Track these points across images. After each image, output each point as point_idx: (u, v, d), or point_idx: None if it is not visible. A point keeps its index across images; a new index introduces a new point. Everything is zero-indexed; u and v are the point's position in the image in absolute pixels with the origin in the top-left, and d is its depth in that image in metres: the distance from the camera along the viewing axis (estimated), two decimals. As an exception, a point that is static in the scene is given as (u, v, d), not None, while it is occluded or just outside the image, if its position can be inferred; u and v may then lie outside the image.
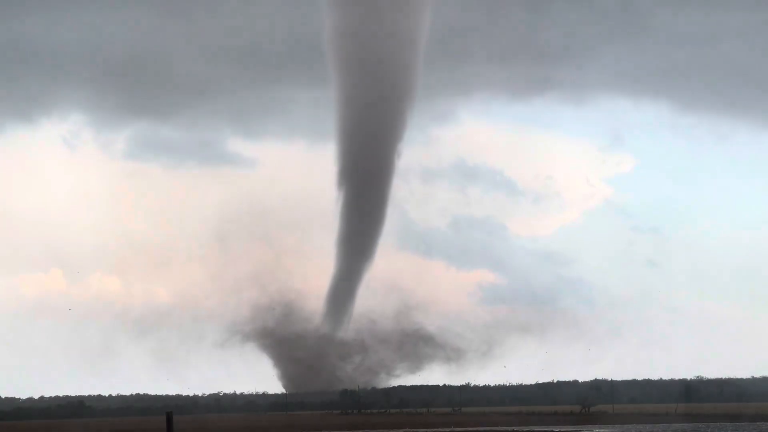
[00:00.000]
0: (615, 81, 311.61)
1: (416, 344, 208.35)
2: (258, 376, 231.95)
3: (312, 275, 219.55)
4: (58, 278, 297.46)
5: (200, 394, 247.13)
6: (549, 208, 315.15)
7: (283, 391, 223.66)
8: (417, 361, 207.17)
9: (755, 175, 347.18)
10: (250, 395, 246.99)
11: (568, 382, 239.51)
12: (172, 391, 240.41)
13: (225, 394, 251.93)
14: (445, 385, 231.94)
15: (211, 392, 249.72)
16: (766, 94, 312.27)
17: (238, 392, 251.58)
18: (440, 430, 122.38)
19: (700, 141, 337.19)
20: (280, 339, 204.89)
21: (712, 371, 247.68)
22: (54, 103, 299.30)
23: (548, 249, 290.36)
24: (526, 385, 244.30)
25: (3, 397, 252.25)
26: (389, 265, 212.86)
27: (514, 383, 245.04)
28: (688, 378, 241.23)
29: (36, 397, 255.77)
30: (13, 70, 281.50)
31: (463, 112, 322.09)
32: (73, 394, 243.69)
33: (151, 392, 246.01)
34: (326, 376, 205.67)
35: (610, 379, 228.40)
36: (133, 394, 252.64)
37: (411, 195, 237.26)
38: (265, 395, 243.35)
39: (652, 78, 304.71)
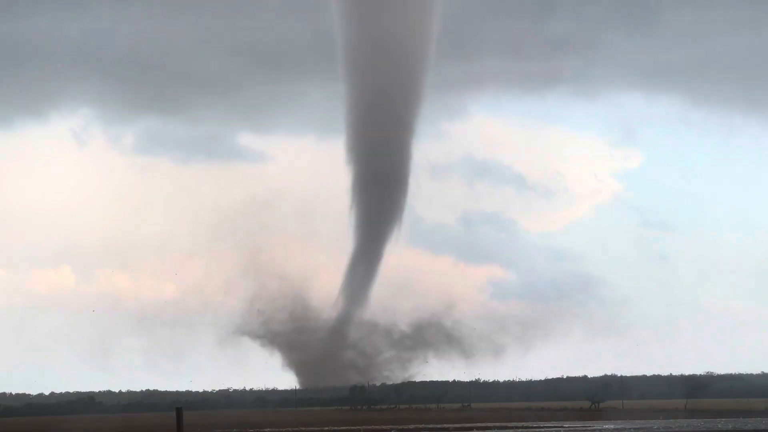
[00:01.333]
0: (625, 75, 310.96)
1: (426, 339, 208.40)
2: (267, 372, 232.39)
3: (324, 268, 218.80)
4: (68, 274, 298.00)
5: (210, 390, 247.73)
6: (558, 203, 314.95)
7: (294, 386, 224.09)
8: (427, 356, 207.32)
9: (765, 169, 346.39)
10: (260, 391, 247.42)
11: (578, 378, 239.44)
12: (181, 387, 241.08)
13: (235, 390, 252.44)
14: (454, 380, 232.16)
15: (221, 388, 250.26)
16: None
17: (247, 388, 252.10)
18: (450, 425, 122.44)
19: (711, 135, 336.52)
20: (292, 333, 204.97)
21: (722, 367, 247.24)
22: (63, 99, 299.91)
23: (558, 244, 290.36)
24: (535, 381, 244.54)
25: (14, 393, 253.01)
26: (398, 260, 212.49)
27: (524, 379, 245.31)
28: (698, 374, 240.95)
29: (47, 392, 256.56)
30: (23, 65, 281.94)
31: (473, 107, 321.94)
32: (83, 390, 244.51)
33: (161, 388, 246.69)
34: (337, 369, 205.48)
35: (619, 375, 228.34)
36: (143, 390, 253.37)
37: (419, 190, 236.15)
38: (275, 391, 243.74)
39: (662, 73, 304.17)
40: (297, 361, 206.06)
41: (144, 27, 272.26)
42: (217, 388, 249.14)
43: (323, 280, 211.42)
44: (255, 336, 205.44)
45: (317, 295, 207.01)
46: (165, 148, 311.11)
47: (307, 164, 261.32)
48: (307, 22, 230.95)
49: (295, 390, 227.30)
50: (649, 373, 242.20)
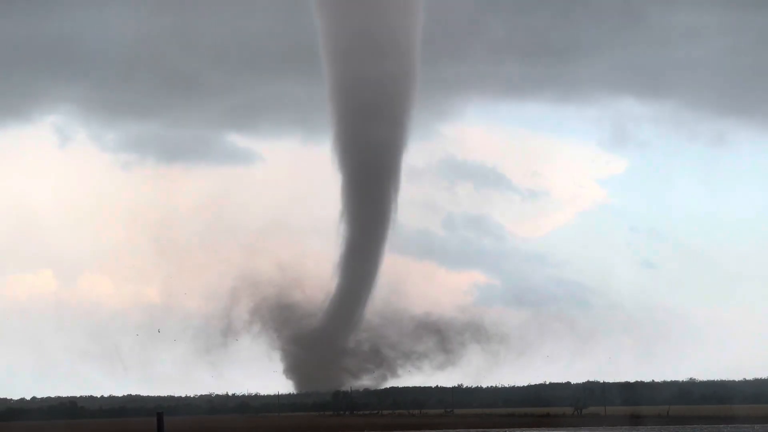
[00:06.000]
0: (614, 79, 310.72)
1: (409, 347, 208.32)
2: (250, 378, 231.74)
3: (313, 272, 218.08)
4: (48, 278, 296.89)
5: (192, 395, 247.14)
6: (544, 208, 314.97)
7: (277, 391, 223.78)
8: (411, 362, 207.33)
9: (753, 176, 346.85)
10: (242, 396, 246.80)
11: (561, 384, 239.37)
12: (164, 392, 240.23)
13: (217, 396, 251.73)
14: (437, 386, 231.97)
15: (203, 393, 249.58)
16: (765, 94, 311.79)
17: (230, 393, 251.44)
18: (433, 431, 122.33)
19: (699, 141, 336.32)
20: (280, 337, 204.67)
21: (705, 374, 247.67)
22: (45, 100, 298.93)
23: (542, 250, 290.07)
24: (518, 387, 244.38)
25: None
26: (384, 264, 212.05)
27: (507, 385, 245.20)
28: (681, 380, 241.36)
29: (28, 398, 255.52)
30: (4, 65, 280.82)
31: (462, 111, 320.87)
32: (65, 395, 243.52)
33: (143, 393, 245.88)
34: (322, 374, 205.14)
35: (602, 381, 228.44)
36: (125, 395, 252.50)
37: (402, 193, 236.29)
38: (257, 396, 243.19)
39: (652, 77, 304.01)
40: (290, 365, 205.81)
41: (129, 29, 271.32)
42: (199, 393, 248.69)
43: (313, 282, 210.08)
44: (241, 339, 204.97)
45: (307, 299, 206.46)
46: (149, 149, 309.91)
47: (293, 165, 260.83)
48: (293, 23, 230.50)
49: (278, 395, 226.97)
50: (631, 379, 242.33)
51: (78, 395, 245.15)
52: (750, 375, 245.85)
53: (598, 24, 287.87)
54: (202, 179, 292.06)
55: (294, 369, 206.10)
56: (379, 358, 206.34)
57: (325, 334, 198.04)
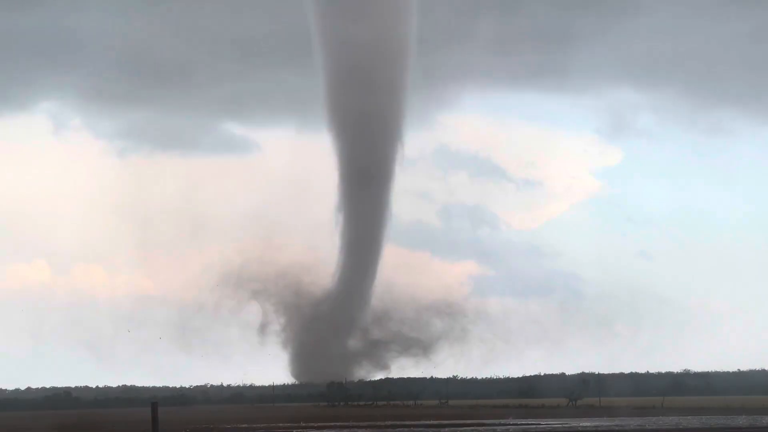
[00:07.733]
0: (610, 69, 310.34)
1: (406, 338, 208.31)
2: (245, 368, 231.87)
3: (310, 262, 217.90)
4: (43, 268, 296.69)
5: (187, 386, 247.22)
6: (540, 198, 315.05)
7: (272, 382, 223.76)
8: (407, 354, 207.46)
9: (751, 167, 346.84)
10: (237, 387, 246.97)
11: (556, 375, 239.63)
12: (159, 382, 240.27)
13: (212, 386, 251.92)
14: (432, 377, 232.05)
15: (198, 384, 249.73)
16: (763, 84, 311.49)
17: (225, 384, 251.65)
18: (426, 422, 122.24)
19: (696, 131, 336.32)
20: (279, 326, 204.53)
21: (699, 365, 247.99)
22: (40, 90, 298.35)
23: (538, 240, 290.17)
24: (513, 378, 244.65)
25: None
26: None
27: (502, 376, 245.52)
28: (675, 371, 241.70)
29: (22, 388, 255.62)
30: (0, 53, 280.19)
31: (457, 100, 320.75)
32: (59, 386, 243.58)
33: (138, 384, 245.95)
34: (322, 364, 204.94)
35: (597, 372, 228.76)
36: (120, 385, 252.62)
37: (396, 184, 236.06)
38: (252, 387, 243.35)
39: (648, 67, 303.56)
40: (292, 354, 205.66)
41: (123, 18, 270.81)
42: (193, 384, 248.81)
43: (313, 271, 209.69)
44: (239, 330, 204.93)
45: (308, 286, 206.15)
46: (144, 137, 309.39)
47: (290, 153, 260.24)
48: (286, 12, 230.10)
49: (273, 386, 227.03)
50: (626, 370, 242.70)
51: (72, 385, 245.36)
52: (744, 366, 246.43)
53: (595, 12, 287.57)
54: (198, 167, 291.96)
55: (295, 359, 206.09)
56: (411, 345, 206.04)
57: (329, 321, 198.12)
